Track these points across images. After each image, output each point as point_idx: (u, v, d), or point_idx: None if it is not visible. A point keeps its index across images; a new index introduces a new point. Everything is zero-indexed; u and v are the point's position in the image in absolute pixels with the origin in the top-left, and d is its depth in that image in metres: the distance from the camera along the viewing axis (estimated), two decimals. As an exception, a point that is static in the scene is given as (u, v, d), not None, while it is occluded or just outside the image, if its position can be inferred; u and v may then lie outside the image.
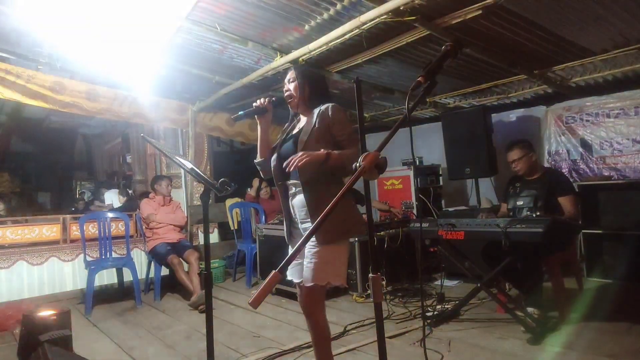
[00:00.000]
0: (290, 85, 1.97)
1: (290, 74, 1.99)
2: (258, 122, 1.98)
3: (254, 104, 1.93)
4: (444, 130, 4.78)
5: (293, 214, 1.93)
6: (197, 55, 3.73)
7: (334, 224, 1.72)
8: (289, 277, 1.94)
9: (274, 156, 1.97)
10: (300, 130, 1.91)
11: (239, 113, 1.92)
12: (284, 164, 1.73)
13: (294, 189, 1.90)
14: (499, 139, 4.54)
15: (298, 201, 1.87)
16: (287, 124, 2.10)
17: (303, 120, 1.99)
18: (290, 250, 1.99)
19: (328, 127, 1.83)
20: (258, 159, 2.04)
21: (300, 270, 1.87)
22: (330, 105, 1.87)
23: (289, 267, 1.91)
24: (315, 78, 2.05)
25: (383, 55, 3.49)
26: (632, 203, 3.74)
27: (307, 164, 1.68)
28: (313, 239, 1.77)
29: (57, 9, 2.91)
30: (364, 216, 2.33)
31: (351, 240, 3.44)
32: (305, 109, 1.98)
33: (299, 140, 1.84)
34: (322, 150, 1.72)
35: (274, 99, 1.96)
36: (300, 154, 1.69)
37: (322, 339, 1.92)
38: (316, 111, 1.89)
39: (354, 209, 1.93)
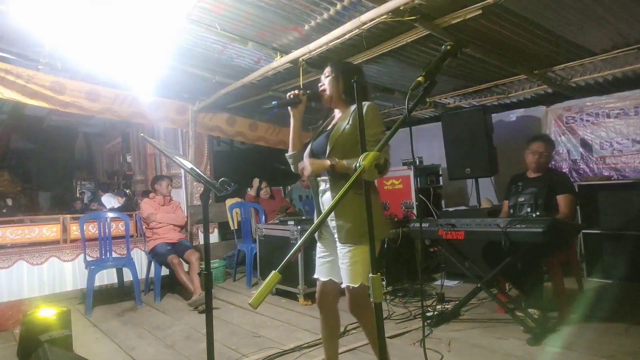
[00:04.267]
0: (325, 80, 1.96)
1: (327, 69, 1.97)
2: (291, 114, 1.95)
3: (288, 95, 1.90)
4: (444, 130, 4.78)
5: (323, 211, 1.92)
6: (197, 55, 3.73)
7: (357, 225, 1.76)
8: (316, 276, 1.97)
9: (307, 151, 1.97)
10: (334, 126, 1.91)
11: (272, 103, 1.87)
12: (299, 167, 1.84)
13: (324, 185, 1.91)
14: (499, 139, 4.54)
15: (327, 198, 1.89)
16: (321, 121, 2.08)
17: (337, 116, 1.98)
18: (318, 249, 2.00)
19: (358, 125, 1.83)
20: (290, 152, 2.01)
21: (328, 268, 1.93)
22: (367, 104, 1.82)
23: (318, 265, 1.98)
24: (351, 73, 1.95)
25: (383, 55, 3.49)
26: (632, 203, 3.74)
27: (311, 174, 1.80)
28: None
29: (57, 9, 2.91)
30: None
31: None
32: (339, 104, 1.96)
33: (331, 137, 1.86)
34: (327, 162, 1.79)
35: (308, 91, 1.93)
36: (306, 162, 1.79)
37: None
38: (352, 108, 1.88)
39: (378, 211, 1.92)
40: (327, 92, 1.94)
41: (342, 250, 1.82)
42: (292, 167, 2.05)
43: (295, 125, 1.97)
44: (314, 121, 2.14)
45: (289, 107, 1.93)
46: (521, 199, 3.16)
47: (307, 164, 1.79)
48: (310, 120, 2.71)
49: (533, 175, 3.22)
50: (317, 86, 1.99)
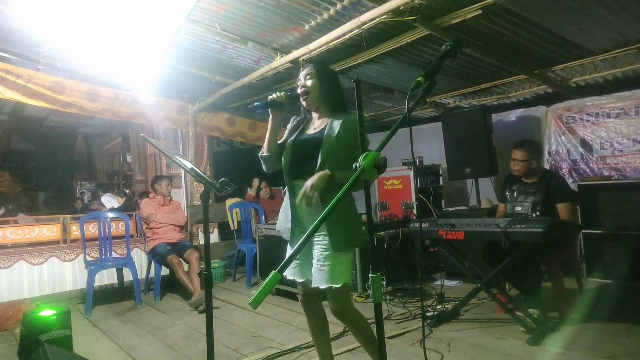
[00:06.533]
0: (307, 82, 1.88)
1: (308, 70, 1.90)
2: (271, 115, 1.89)
3: (270, 97, 1.84)
4: (444, 130, 4.78)
5: (299, 213, 1.89)
6: (197, 55, 3.73)
7: (347, 232, 1.77)
8: (289, 277, 1.94)
9: (288, 152, 1.91)
10: (322, 132, 1.84)
11: (255, 103, 1.86)
12: (298, 199, 1.70)
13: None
14: (499, 139, 4.54)
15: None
16: (295, 120, 2.03)
17: (319, 121, 1.92)
18: (289, 249, 1.98)
19: (353, 139, 1.77)
20: (264, 153, 1.94)
21: (302, 270, 1.90)
22: (352, 118, 1.81)
23: (290, 267, 1.92)
24: (335, 77, 1.97)
25: (383, 55, 3.49)
26: (632, 203, 3.74)
27: (318, 190, 1.67)
28: (322, 242, 1.79)
29: (58, 9, 2.92)
30: (364, 216, 2.31)
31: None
32: (321, 108, 1.92)
33: (322, 148, 1.79)
34: (327, 172, 1.71)
35: (289, 93, 1.88)
36: (309, 184, 1.67)
37: (366, 336, 1.89)
38: (338, 119, 1.83)
39: (359, 220, 1.93)
40: (311, 96, 1.87)
41: (323, 253, 1.78)
42: (264, 167, 1.99)
43: (272, 127, 1.90)
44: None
45: (270, 109, 1.86)
46: (518, 209, 3.10)
47: (308, 183, 1.68)
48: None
49: (528, 180, 3.12)
50: (297, 88, 1.92)
